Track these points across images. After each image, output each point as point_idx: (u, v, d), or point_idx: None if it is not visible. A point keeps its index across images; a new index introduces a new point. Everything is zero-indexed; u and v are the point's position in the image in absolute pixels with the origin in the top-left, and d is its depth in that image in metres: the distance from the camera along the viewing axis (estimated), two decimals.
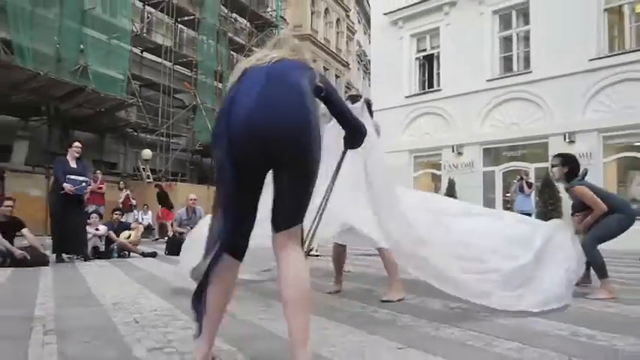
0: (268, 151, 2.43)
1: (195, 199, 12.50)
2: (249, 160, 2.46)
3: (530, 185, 14.89)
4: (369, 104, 5.16)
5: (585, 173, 6.30)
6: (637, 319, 4.24)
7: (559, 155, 6.20)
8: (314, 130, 2.49)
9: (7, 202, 9.06)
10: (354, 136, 3.19)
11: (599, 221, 5.58)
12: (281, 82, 2.55)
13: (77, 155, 9.42)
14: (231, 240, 2.51)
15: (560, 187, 15.73)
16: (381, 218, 4.29)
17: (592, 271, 5.67)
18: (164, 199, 17.97)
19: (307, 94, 2.56)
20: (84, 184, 9.49)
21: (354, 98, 5.26)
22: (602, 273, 5.32)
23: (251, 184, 2.55)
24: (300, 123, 2.45)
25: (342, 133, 3.39)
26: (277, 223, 2.54)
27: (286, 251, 2.50)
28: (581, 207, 5.86)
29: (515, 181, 15.44)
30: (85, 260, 9.25)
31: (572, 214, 6.18)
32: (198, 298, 2.60)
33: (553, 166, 6.08)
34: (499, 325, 3.85)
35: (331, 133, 4.02)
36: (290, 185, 2.52)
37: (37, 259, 8.31)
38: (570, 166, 5.94)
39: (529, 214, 14.73)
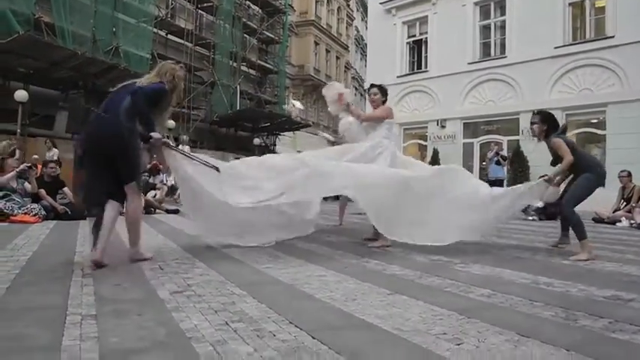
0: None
1: None
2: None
3: (505, 159, 14.94)
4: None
5: (565, 129, 5.69)
6: (586, 269, 4.28)
7: (538, 112, 5.56)
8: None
9: (51, 165, 9.06)
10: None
11: (574, 182, 5.13)
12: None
13: None
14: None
15: (529, 155, 15.84)
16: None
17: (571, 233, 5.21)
18: None
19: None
20: None
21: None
22: (582, 234, 4.80)
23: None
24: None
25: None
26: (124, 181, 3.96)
27: (130, 197, 3.99)
28: (557, 161, 5.27)
29: (489, 151, 15.43)
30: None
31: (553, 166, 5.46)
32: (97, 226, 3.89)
33: (532, 123, 5.44)
34: (473, 274, 3.87)
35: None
36: (119, 165, 3.89)
37: (76, 214, 8.35)
38: (549, 123, 5.34)
39: (502, 180, 14.87)
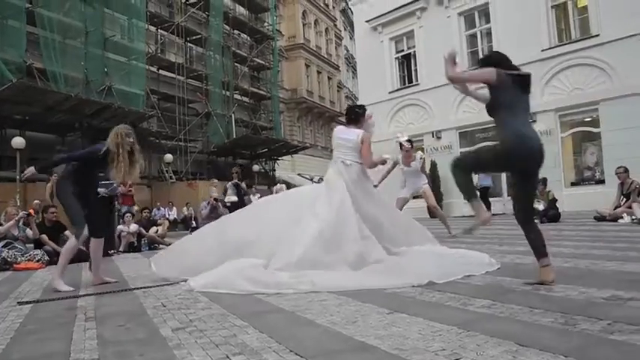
0: None
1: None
2: None
3: None
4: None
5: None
6: (587, 270, 4.29)
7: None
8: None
9: (51, 209, 9.11)
10: None
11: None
12: None
13: None
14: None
15: None
16: None
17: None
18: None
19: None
20: (114, 184, 9.52)
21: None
22: (465, 193, 3.91)
23: None
24: None
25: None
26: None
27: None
28: None
29: None
30: (115, 254, 9.31)
31: None
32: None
33: None
34: (473, 285, 3.89)
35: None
36: None
37: (79, 256, 8.34)
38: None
39: (488, 188, 15.40)
